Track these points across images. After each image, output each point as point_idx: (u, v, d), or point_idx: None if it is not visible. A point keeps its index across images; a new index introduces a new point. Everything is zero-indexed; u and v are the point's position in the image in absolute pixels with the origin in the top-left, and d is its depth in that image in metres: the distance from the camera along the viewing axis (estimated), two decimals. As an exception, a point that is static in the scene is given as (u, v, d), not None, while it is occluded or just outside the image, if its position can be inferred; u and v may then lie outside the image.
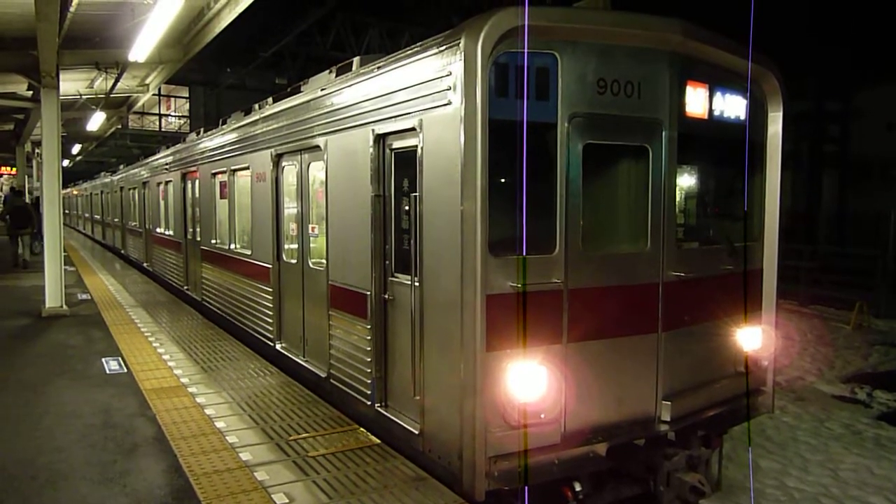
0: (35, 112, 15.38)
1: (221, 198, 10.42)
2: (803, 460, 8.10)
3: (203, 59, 15.44)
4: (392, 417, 5.45)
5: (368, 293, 5.67)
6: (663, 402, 5.13)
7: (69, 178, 38.08)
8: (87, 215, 34.14)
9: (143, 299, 12.82)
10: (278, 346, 7.95)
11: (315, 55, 21.27)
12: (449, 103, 4.51)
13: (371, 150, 5.54)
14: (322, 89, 6.55)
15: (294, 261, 7.55)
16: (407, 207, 5.33)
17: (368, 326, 5.72)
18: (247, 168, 8.82)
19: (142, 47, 9.68)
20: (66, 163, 32.83)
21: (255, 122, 8.58)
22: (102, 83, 15.40)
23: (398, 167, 5.45)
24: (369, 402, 5.76)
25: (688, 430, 5.33)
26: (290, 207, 7.74)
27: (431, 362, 4.88)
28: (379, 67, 5.49)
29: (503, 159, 4.39)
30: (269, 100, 8.45)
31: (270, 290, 8.05)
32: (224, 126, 10.37)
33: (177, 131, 32.84)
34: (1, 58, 12.34)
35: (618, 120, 4.89)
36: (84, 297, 13.11)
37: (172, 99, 36.82)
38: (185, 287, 12.85)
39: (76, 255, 21.84)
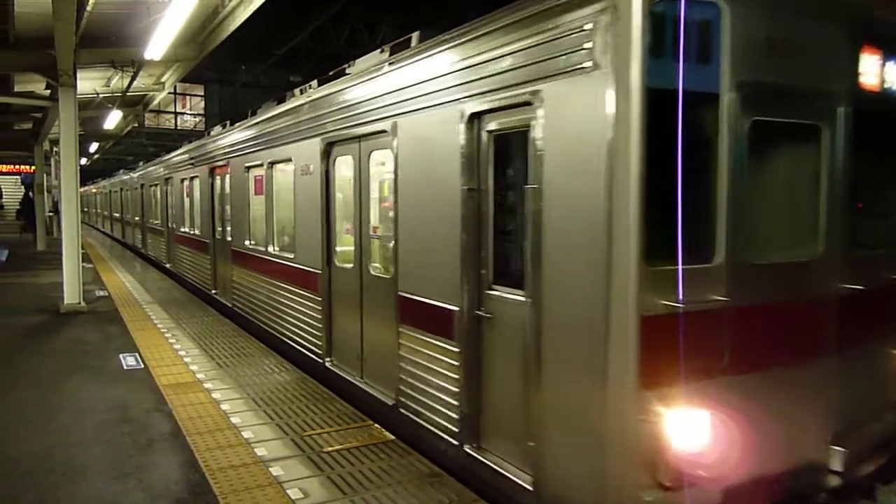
0: (53, 111, 15.53)
1: (257, 194, 9.50)
2: None
3: (218, 57, 15.51)
4: (489, 463, 4.48)
5: (456, 309, 4.70)
6: (834, 447, 4.09)
7: (87, 176, 38.51)
8: (105, 213, 34.36)
9: (159, 296, 12.91)
10: (328, 364, 6.96)
11: (329, 52, 21.28)
12: (587, 67, 3.54)
13: (461, 133, 4.56)
14: (390, 63, 5.59)
15: (349, 266, 6.58)
16: (512, 204, 4.48)
17: (456, 349, 4.74)
18: (289, 160, 7.86)
19: (157, 46, 9.73)
20: (83, 161, 33.14)
21: (298, 109, 7.64)
22: (119, 82, 15.54)
23: (500, 153, 4.47)
24: (456, 442, 4.78)
25: (857, 480, 4.30)
26: (343, 204, 6.87)
27: (553, 400, 3.90)
28: (472, 30, 4.53)
29: (656, 141, 3.42)
30: (314, 83, 7.54)
31: (318, 299, 7.08)
32: (258, 115, 9.46)
33: (192, 129, 33.09)
34: (19, 57, 12.49)
35: (788, 91, 3.91)
36: (102, 293, 13.23)
37: (188, 97, 37.08)
38: (213, 291, 12.04)
39: (94, 253, 22.06)
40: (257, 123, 9.29)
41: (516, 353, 4.21)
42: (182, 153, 14.97)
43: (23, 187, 33.56)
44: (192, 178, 13.55)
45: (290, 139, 7.74)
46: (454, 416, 4.80)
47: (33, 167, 26.00)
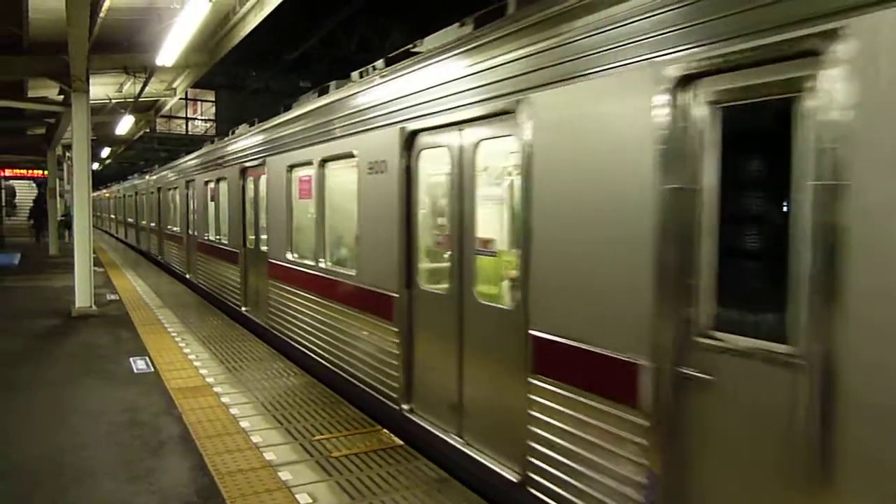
0: (66, 116, 15.66)
1: (302, 197, 8.25)
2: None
3: (228, 63, 15.63)
4: None
5: (643, 364, 3.28)
6: None
7: (99, 181, 38.84)
8: (119, 218, 34.28)
9: (169, 301, 12.98)
10: (406, 411, 5.63)
11: (340, 57, 21.38)
12: None
13: (659, 106, 3.17)
14: (514, 22, 4.22)
15: (441, 289, 5.25)
16: (755, 210, 3.17)
17: (644, 423, 3.29)
18: (350, 156, 6.56)
19: (169, 52, 9.80)
20: (95, 166, 33.42)
21: (362, 94, 6.35)
22: (131, 87, 15.64)
23: (733, 135, 3.00)
24: None
25: None
26: (431, 210, 5.66)
27: None
28: None
29: None
30: (378, 63, 6.28)
31: (394, 329, 5.75)
32: (301, 106, 8.17)
33: (203, 135, 33.27)
34: (33, 63, 12.61)
35: None
36: (112, 297, 13.32)
37: (199, 102, 37.31)
38: (244, 308, 10.79)
39: (106, 257, 22.19)
40: (302, 116, 8.00)
41: (763, 446, 2.77)
42: (206, 153, 13.94)
43: (36, 190, 33.89)
44: (218, 181, 12.43)
45: (353, 130, 6.49)
46: None
47: (45, 172, 26.23)
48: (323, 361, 7.35)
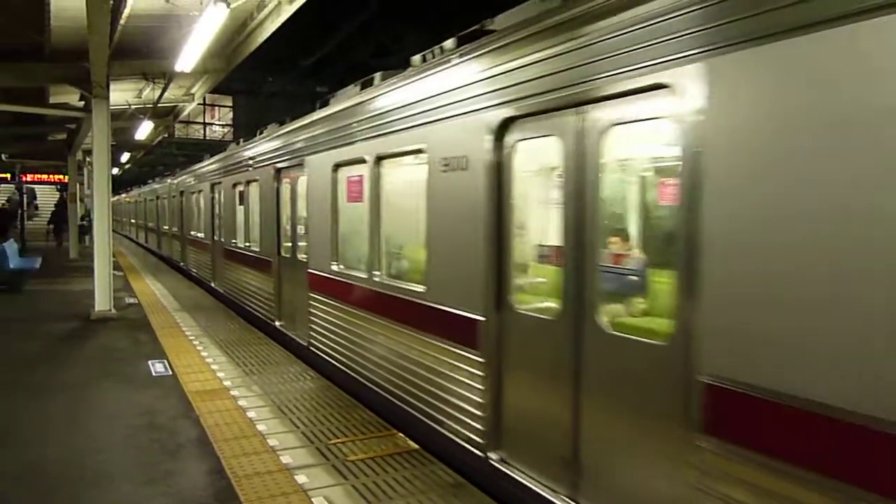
0: (86, 122, 15.87)
1: (351, 200, 7.33)
2: None
3: (245, 68, 15.77)
4: None
5: None
6: None
7: (118, 185, 39.29)
8: (140, 223, 34.36)
9: (187, 304, 13.08)
10: (494, 460, 4.62)
11: (356, 62, 21.50)
12: None
13: None
14: None
15: (547, 313, 4.24)
16: None
17: None
18: (417, 152, 5.67)
19: (188, 58, 9.90)
20: (115, 171, 33.79)
21: (434, 76, 5.38)
22: (150, 93, 15.85)
23: None
24: None
25: None
26: (532, 214, 4.96)
27: None
28: None
29: None
30: (448, 43, 5.43)
31: (478, 359, 4.75)
32: (341, 101, 7.35)
33: (220, 139, 33.59)
34: (55, 69, 12.83)
35: None
36: (131, 301, 13.45)
37: (216, 108, 37.69)
38: (278, 322, 9.96)
39: (125, 262, 22.43)
40: (351, 108, 7.09)
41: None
42: (233, 154, 13.21)
43: (58, 193, 34.35)
44: (248, 183, 11.65)
45: (420, 121, 5.56)
46: None
47: (66, 177, 26.60)
48: (375, 388, 6.42)
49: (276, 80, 27.22)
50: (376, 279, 6.48)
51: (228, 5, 7.40)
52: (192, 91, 17.21)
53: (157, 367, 8.00)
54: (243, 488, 4.62)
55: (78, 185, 26.81)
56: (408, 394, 5.79)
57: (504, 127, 4.50)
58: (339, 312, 7.40)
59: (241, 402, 6.58)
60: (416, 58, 6.04)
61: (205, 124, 37.17)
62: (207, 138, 36.10)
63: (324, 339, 7.90)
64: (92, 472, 5.00)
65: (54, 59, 12.47)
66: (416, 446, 5.45)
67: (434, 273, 5.41)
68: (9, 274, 14.69)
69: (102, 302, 11.48)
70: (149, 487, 4.70)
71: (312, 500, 4.46)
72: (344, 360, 7.25)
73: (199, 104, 25.84)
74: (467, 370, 4.90)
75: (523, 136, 4.41)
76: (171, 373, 7.75)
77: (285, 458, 5.16)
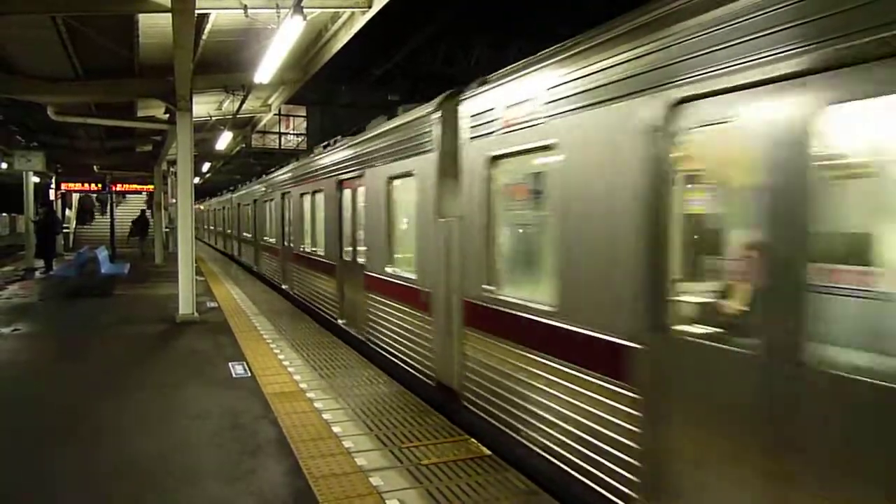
0: (171, 133, 16.66)
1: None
2: None
3: (319, 79, 16.18)
4: None
5: None
6: None
7: (198, 194, 40.88)
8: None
9: (264, 308, 13.50)
10: None
11: (425, 72, 21.73)
12: None
13: None
14: None
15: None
16: None
17: None
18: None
19: (266, 70, 10.24)
20: (196, 180, 35.28)
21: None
22: (230, 105, 16.49)
23: None
24: None
25: None
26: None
27: None
28: None
29: None
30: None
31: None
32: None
33: (295, 148, 34.54)
34: (143, 84, 13.56)
35: None
36: (212, 305, 13.99)
37: (291, 118, 38.76)
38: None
39: (205, 267, 23.36)
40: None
41: None
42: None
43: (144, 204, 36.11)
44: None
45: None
46: None
47: (152, 186, 27.97)
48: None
49: (348, 89, 27.78)
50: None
51: (305, 17, 7.62)
52: (269, 102, 17.79)
53: (237, 369, 8.29)
54: (320, 489, 4.72)
55: (162, 194, 28.14)
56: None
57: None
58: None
59: (317, 405, 6.73)
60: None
61: (280, 134, 38.27)
62: (282, 147, 37.16)
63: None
64: (181, 468, 5.21)
65: (142, 75, 13.19)
66: (489, 452, 5.44)
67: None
68: (101, 280, 15.58)
69: (186, 306, 11.99)
70: (233, 486, 4.86)
71: (387, 502, 4.52)
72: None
73: (275, 115, 26.67)
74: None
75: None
76: (249, 374, 8.01)
77: (360, 460, 5.24)
